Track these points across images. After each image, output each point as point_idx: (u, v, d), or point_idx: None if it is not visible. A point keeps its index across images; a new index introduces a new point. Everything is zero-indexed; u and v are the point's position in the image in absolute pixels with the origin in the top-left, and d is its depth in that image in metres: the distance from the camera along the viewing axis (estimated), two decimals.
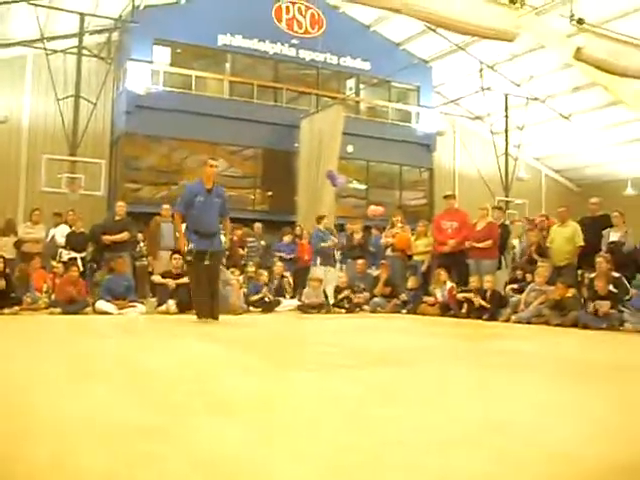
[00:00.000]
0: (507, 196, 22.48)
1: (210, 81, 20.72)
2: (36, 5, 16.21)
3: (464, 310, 11.18)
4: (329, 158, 17.94)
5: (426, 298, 12.00)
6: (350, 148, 19.84)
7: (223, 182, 19.53)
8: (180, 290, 10.91)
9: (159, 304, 10.98)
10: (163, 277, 11.24)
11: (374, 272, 13.27)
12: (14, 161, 18.36)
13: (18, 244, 12.15)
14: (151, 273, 12.28)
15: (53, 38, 18.35)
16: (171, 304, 10.80)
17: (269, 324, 9.90)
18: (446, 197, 13.08)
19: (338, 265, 14.18)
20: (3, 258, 10.26)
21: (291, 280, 13.24)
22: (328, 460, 2.29)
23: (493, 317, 10.67)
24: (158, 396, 3.49)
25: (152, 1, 19.71)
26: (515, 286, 11.23)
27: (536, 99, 22.68)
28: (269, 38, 21.04)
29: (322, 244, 13.51)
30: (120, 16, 18.78)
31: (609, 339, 8.23)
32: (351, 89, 23.17)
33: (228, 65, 20.88)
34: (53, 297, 10.87)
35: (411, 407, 3.39)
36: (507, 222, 13.95)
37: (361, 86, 23.30)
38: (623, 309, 9.23)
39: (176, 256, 11.30)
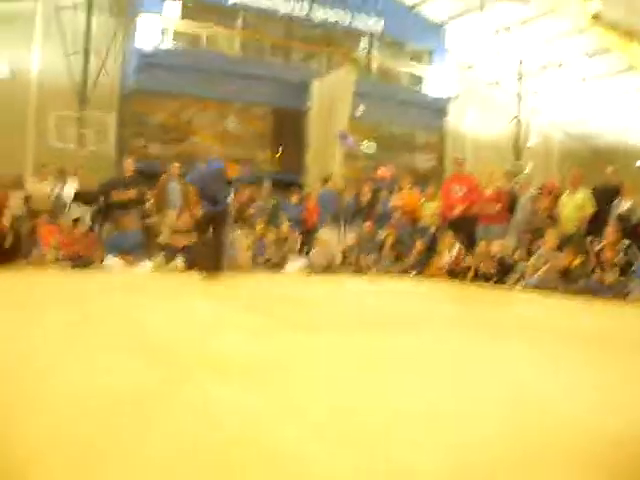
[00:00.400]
0: (518, 161, 22.33)
1: (221, 38, 20.50)
2: None
3: (471, 274, 11.17)
4: (339, 118, 17.81)
5: (433, 261, 11.99)
6: (361, 109, 19.65)
7: (232, 141, 19.70)
8: (188, 248, 10.92)
9: (167, 262, 11.00)
10: (171, 235, 11.24)
11: (382, 234, 13.24)
12: (22, 116, 18.24)
13: (26, 199, 12.15)
14: (158, 231, 12.27)
15: None
16: (179, 262, 10.82)
17: (275, 284, 9.92)
18: (456, 161, 13.01)
19: (346, 226, 14.14)
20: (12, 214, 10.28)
21: (299, 240, 13.23)
22: (323, 423, 2.29)
23: (500, 282, 10.66)
24: (159, 358, 3.49)
25: None
26: (523, 252, 11.19)
27: (550, 64, 22.38)
28: None
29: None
30: None
31: (614, 308, 8.23)
32: (363, 49, 22.89)
33: (239, 22, 20.62)
34: (61, 252, 10.89)
35: (408, 373, 3.39)
36: (516, 187, 13.83)
37: (374, 47, 23.00)
38: (630, 279, 9.20)
39: (184, 215, 11.29)
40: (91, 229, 11.72)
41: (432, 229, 12.63)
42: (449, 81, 23.17)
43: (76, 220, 11.54)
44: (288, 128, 20.10)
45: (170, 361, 3.37)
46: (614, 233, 9.81)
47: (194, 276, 9.36)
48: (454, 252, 11.64)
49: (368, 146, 20.59)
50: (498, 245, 11.07)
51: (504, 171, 13.15)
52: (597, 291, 9.17)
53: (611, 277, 9.21)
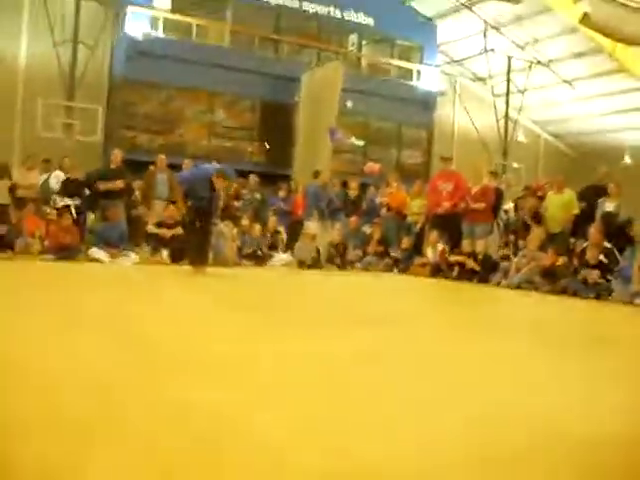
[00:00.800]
0: (505, 159, 22.42)
1: (211, 29, 20.44)
2: None
3: (455, 272, 11.24)
4: (328, 113, 17.81)
5: (418, 258, 12.07)
6: (349, 103, 19.64)
7: (220, 132, 19.68)
8: (174, 240, 10.94)
9: (152, 254, 11.00)
10: (157, 227, 11.25)
11: (368, 230, 13.30)
12: (9, 105, 18.08)
13: (13, 189, 12.08)
14: (145, 222, 12.26)
15: None
16: (164, 254, 10.83)
17: (260, 278, 9.96)
18: (443, 159, 13.06)
19: (331, 221, 14.18)
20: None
21: (284, 234, 13.26)
22: (309, 423, 2.33)
23: (484, 280, 10.74)
24: (143, 351, 3.53)
25: None
26: (507, 251, 11.28)
27: (539, 63, 22.46)
28: None
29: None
30: None
31: (595, 309, 8.32)
32: (354, 44, 22.88)
33: (229, 13, 20.54)
34: (46, 243, 10.87)
35: (392, 370, 3.43)
36: (502, 186, 13.91)
37: (364, 42, 23.02)
38: (612, 279, 9.30)
39: (171, 207, 11.32)
40: (77, 220, 11.68)
41: (418, 226, 12.69)
42: (438, 77, 23.20)
43: (62, 210, 11.51)
44: (276, 121, 20.08)
45: (152, 356, 3.41)
46: (597, 234, 9.91)
47: (179, 268, 9.38)
48: (438, 250, 11.72)
49: (356, 141, 20.62)
50: (482, 243, 11.15)
51: (489, 170, 13.18)
52: (579, 291, 9.26)
53: (593, 277, 9.30)
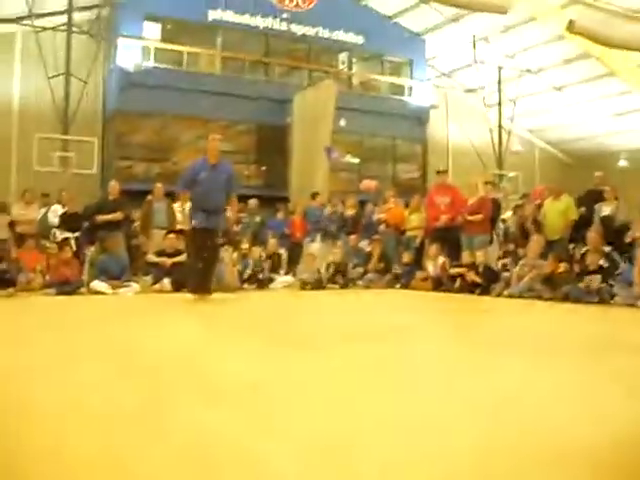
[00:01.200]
0: (500, 169, 22.51)
1: (201, 57, 20.62)
2: None
3: (457, 285, 11.25)
4: (322, 133, 17.89)
5: (419, 273, 12.08)
6: (343, 122, 19.75)
7: None
8: (175, 269, 10.96)
9: (154, 283, 11.01)
10: (158, 256, 11.27)
11: (367, 247, 13.32)
12: (5, 140, 18.22)
13: (12, 225, 12.12)
14: (145, 252, 12.28)
15: (42, 15, 18.16)
16: (166, 283, 10.84)
17: (263, 302, 9.96)
18: (438, 173, 13.12)
19: (332, 240, 14.21)
20: None
21: (285, 256, 13.29)
22: (313, 444, 2.34)
23: (485, 292, 10.74)
24: (148, 380, 3.54)
25: None
26: (507, 260, 11.30)
27: (529, 71, 22.61)
28: (260, 12, 20.88)
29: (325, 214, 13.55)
30: None
31: (600, 314, 8.31)
32: (344, 63, 23.05)
33: (219, 40, 20.72)
34: (47, 278, 10.89)
35: (398, 388, 3.44)
36: (499, 196, 13.95)
37: (354, 60, 23.20)
38: (613, 283, 9.30)
39: (170, 235, 11.36)
40: (77, 253, 11.70)
41: (417, 241, 12.72)
42: (429, 91, 23.34)
43: (62, 244, 11.54)
44: (271, 144, 20.21)
45: (158, 383, 3.42)
46: (596, 238, 9.93)
47: (181, 297, 9.38)
48: (439, 263, 11.74)
49: (351, 159, 20.73)
50: (482, 255, 11.16)
51: (485, 180, 13.23)
52: (582, 297, 9.26)
53: (595, 282, 9.30)
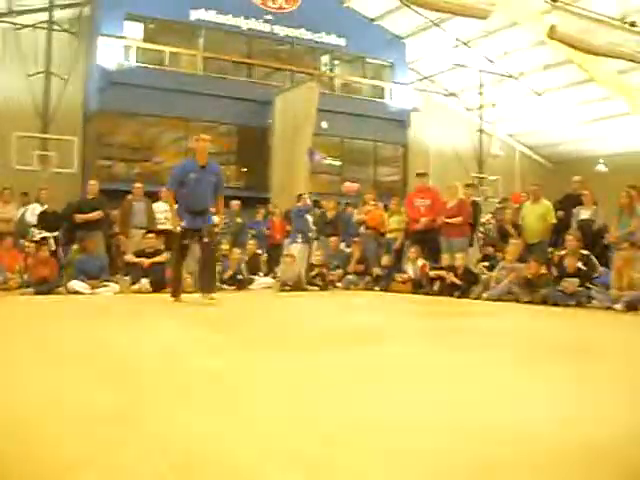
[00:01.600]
0: (481, 172, 22.61)
1: (183, 57, 20.52)
2: None
3: (436, 287, 11.30)
4: (303, 135, 17.89)
5: (398, 275, 12.12)
6: (324, 124, 19.77)
7: None
8: (154, 269, 10.93)
9: (133, 283, 10.96)
10: (137, 256, 11.23)
11: (347, 249, 13.35)
12: None
13: None
14: (124, 252, 12.22)
15: (22, 12, 18.04)
16: (145, 283, 10.80)
17: (242, 303, 9.95)
18: (418, 175, 13.16)
19: (313, 242, 14.21)
20: None
21: (264, 257, 13.29)
22: (289, 445, 2.34)
23: (464, 294, 10.80)
24: (127, 380, 3.53)
25: None
26: (486, 263, 11.37)
27: (510, 76, 22.74)
28: (243, 13, 20.85)
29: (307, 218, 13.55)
30: None
31: (577, 317, 8.38)
32: (325, 65, 23.08)
33: (201, 40, 20.66)
34: (25, 277, 10.82)
35: (376, 388, 3.45)
36: (479, 199, 14.03)
37: (336, 62, 23.24)
38: (591, 286, 9.39)
39: (150, 235, 11.34)
40: (55, 252, 11.63)
41: (397, 243, 12.75)
42: (410, 94, 23.41)
43: (40, 243, 11.45)
44: (252, 145, 20.16)
45: (137, 384, 3.41)
46: (574, 241, 10.03)
47: (161, 297, 9.36)
48: (419, 265, 11.78)
49: (332, 161, 20.76)
50: (461, 257, 11.22)
51: (465, 183, 13.29)
52: (559, 299, 9.33)
53: (573, 285, 9.38)
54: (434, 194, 12.37)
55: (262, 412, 2.85)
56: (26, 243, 11.95)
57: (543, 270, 10.12)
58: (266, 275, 12.84)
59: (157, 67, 19.38)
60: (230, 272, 11.88)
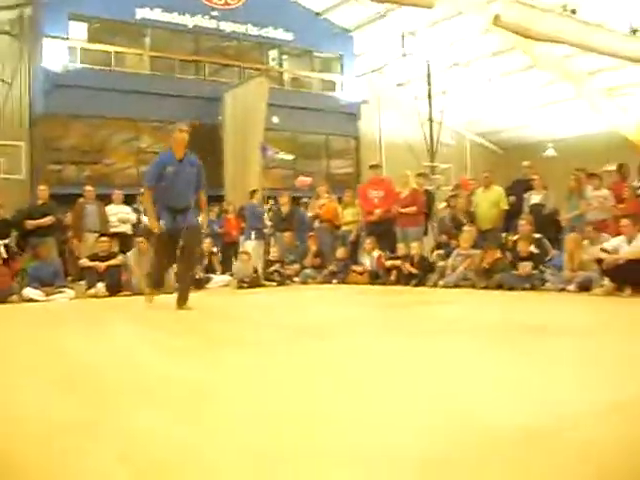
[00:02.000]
0: (433, 161, 22.76)
1: (130, 57, 20.31)
2: None
3: (393, 277, 11.38)
4: (254, 130, 17.86)
5: (355, 267, 12.17)
6: (275, 119, 19.75)
7: (148, 159, 19.49)
8: (109, 272, 10.82)
9: (88, 288, 10.82)
10: (91, 260, 11.08)
11: (303, 243, 13.36)
12: None
13: None
14: (78, 257, 12.06)
15: None
16: (100, 287, 10.68)
17: (199, 303, 9.87)
18: (371, 167, 13.23)
19: (270, 239, 14.20)
20: None
21: (220, 256, 13.23)
22: (257, 448, 2.34)
23: (421, 283, 10.90)
24: (86, 388, 3.49)
25: None
26: (441, 251, 11.47)
27: (457, 64, 22.90)
28: (189, 11, 20.69)
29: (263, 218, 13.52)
30: None
31: (532, 299, 8.52)
32: (274, 60, 23.04)
33: (148, 39, 20.47)
34: None
35: (335, 382, 3.47)
36: (431, 188, 14.14)
37: (284, 57, 23.22)
38: (544, 269, 9.55)
39: (103, 239, 11.21)
40: (6, 260, 11.41)
41: (352, 235, 12.79)
42: (360, 86, 23.49)
43: None
44: (203, 142, 19.95)
45: (96, 390, 3.38)
46: (527, 226, 10.19)
47: (117, 301, 9.26)
48: (375, 256, 11.85)
49: (285, 156, 20.75)
50: (416, 246, 11.31)
51: (417, 173, 13.38)
52: (514, 283, 9.47)
53: (527, 269, 9.53)
54: (387, 185, 12.45)
55: (225, 415, 2.84)
56: None
57: (498, 255, 10.26)
58: (223, 273, 12.78)
59: (103, 68, 19.17)
60: None
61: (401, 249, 11.55)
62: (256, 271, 12.26)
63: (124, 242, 12.13)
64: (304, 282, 12.45)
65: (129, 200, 13.20)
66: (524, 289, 9.31)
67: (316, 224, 13.40)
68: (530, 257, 9.68)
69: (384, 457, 2.15)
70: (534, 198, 11.25)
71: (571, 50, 17.28)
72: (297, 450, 2.27)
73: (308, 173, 18.79)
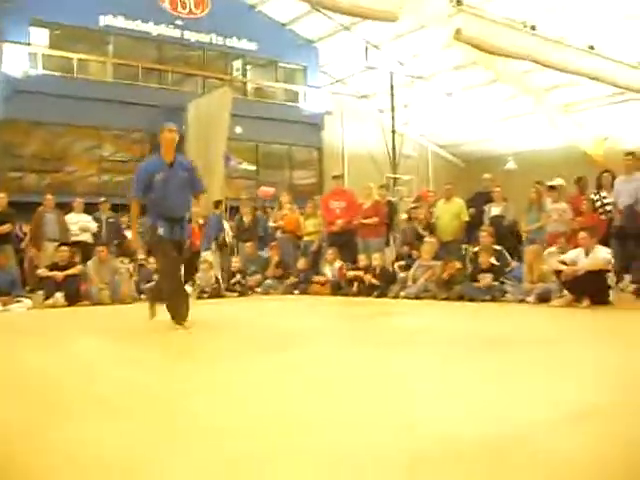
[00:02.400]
0: (395, 173, 22.87)
1: (92, 64, 20.13)
2: None
3: (355, 288, 11.42)
4: (217, 140, 17.79)
5: (317, 278, 12.18)
6: (239, 129, 19.70)
7: (110, 167, 19.37)
8: (68, 282, 10.68)
9: (46, 297, 10.67)
10: (50, 270, 10.93)
11: (265, 254, 13.33)
12: None
13: None
14: (36, 266, 11.88)
15: None
16: (59, 297, 10.54)
17: (160, 313, 9.79)
18: (334, 177, 13.31)
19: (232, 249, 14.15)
20: None
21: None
22: (215, 455, 2.34)
23: (383, 294, 10.95)
24: (38, 396, 3.46)
25: None
26: (403, 263, 11.54)
27: (420, 77, 23.10)
28: (153, 19, 20.58)
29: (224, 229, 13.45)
30: None
31: (492, 311, 8.61)
32: (238, 70, 23.01)
33: (111, 47, 20.32)
34: None
35: (297, 393, 3.47)
36: (394, 199, 14.21)
37: (248, 67, 23.22)
38: (505, 280, 9.66)
39: (63, 248, 11.07)
40: None
41: (314, 245, 12.81)
42: (324, 97, 23.56)
43: None
44: None
45: (49, 399, 3.34)
46: (487, 237, 10.29)
47: (76, 310, 9.15)
48: (336, 267, 11.88)
49: (247, 166, 20.72)
50: (378, 257, 11.37)
51: (380, 185, 13.46)
52: (475, 295, 9.56)
53: (487, 280, 9.62)
54: (349, 196, 12.50)
55: (181, 422, 2.84)
56: None
57: (458, 266, 10.36)
58: (185, 283, 12.66)
59: (65, 74, 18.96)
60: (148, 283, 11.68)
61: (363, 260, 11.58)
62: (217, 281, 12.19)
63: (85, 251, 11.98)
64: (266, 293, 12.42)
65: (90, 209, 13.06)
66: (484, 300, 9.40)
67: (278, 234, 13.39)
68: (491, 269, 9.78)
69: (354, 458, 2.17)
70: (494, 210, 11.39)
71: (530, 66, 17.52)
72: (257, 449, 2.28)
73: (271, 183, 18.77)
